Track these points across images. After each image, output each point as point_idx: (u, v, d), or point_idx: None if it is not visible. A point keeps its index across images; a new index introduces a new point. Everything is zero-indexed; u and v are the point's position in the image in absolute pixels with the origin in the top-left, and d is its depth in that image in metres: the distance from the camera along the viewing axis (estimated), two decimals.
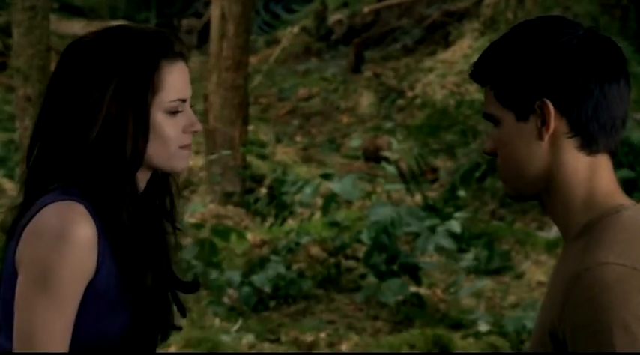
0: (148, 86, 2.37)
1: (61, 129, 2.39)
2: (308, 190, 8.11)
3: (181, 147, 2.43)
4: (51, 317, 2.34)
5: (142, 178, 2.44)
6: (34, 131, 2.50)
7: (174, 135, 2.40)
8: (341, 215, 7.98)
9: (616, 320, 1.92)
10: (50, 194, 2.36)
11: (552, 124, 2.06)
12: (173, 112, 2.41)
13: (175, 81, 2.42)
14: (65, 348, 2.34)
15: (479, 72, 2.18)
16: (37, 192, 2.42)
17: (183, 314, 2.60)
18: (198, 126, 2.44)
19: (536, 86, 2.09)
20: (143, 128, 2.38)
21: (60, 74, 2.46)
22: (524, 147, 2.13)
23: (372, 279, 7.10)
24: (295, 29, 13.73)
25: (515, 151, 2.14)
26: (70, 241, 2.30)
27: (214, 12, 8.92)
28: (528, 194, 2.18)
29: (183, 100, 2.42)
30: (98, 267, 2.31)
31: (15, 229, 2.40)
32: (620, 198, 2.12)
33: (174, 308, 2.57)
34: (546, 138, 2.08)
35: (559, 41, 2.12)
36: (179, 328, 2.59)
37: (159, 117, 2.39)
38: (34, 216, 2.35)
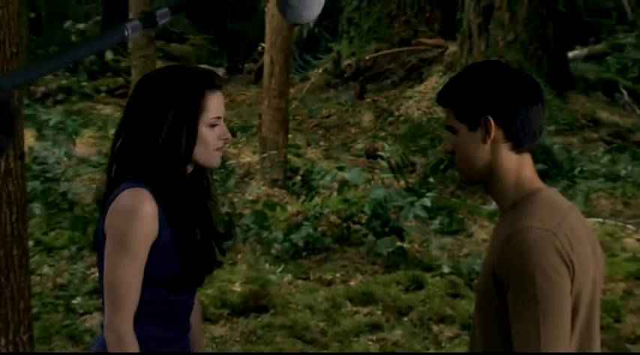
0: (196, 108, 2.30)
1: (136, 136, 2.32)
2: (328, 177, 7.91)
3: (216, 150, 2.37)
4: (128, 268, 2.27)
5: (189, 169, 2.37)
6: (115, 137, 2.41)
7: (212, 141, 2.34)
8: (350, 194, 7.85)
9: (536, 266, 1.88)
10: (125, 182, 2.29)
11: (493, 133, 2.01)
12: (212, 125, 2.33)
13: (215, 104, 2.33)
14: (138, 288, 2.29)
15: (442, 98, 2.12)
16: (117, 179, 2.34)
17: (223, 254, 2.63)
18: (229, 135, 2.43)
19: (483, 107, 2.01)
20: (193, 136, 2.31)
21: (136, 98, 2.38)
22: (474, 149, 2.05)
23: (371, 237, 6.97)
24: (320, 70, 13.32)
25: (467, 151, 2.07)
26: (139, 215, 2.26)
27: (266, 58, 8.66)
28: (476, 180, 2.13)
29: (219, 117, 2.35)
30: (159, 232, 2.28)
31: (103, 205, 2.33)
32: (538, 183, 2.07)
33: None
34: (489, 142, 2.02)
35: (498, 77, 2.05)
36: (220, 263, 2.60)
37: (203, 129, 2.31)
38: (115, 197, 2.28)
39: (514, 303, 1.93)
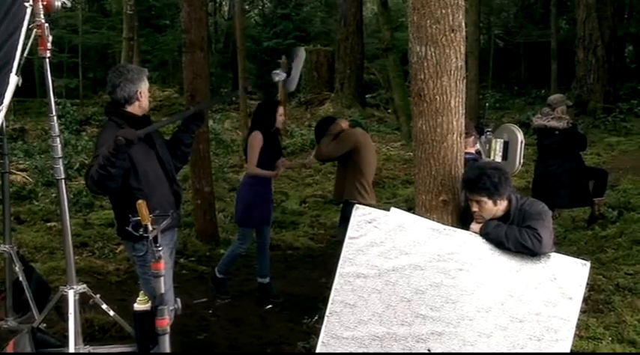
0: (275, 109, 4.98)
1: (258, 118, 4.98)
2: (299, 132, 13.22)
3: (279, 122, 4.97)
4: (253, 154, 4.88)
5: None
6: (252, 119, 4.97)
7: (280, 119, 4.96)
8: (304, 137, 13.11)
9: (349, 144, 4.82)
10: (255, 130, 4.89)
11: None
12: (279, 115, 4.94)
13: (279, 110, 5.01)
14: (256, 160, 4.86)
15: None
16: (252, 130, 4.93)
17: (283, 156, 4.99)
18: (284, 118, 4.92)
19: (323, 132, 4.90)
20: (275, 117, 4.94)
21: (258, 107, 5.04)
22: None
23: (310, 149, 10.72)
24: (295, 100, 18.41)
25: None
26: (257, 138, 4.87)
27: (281, 94, 12.37)
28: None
29: (281, 114, 4.96)
30: (262, 145, 4.87)
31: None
32: (354, 130, 4.89)
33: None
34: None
35: (328, 120, 4.85)
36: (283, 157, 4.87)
37: (276, 116, 4.95)
38: (249, 135, 5.00)
39: (335, 147, 4.75)
